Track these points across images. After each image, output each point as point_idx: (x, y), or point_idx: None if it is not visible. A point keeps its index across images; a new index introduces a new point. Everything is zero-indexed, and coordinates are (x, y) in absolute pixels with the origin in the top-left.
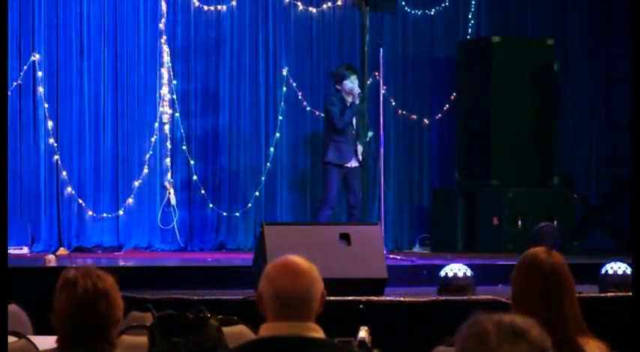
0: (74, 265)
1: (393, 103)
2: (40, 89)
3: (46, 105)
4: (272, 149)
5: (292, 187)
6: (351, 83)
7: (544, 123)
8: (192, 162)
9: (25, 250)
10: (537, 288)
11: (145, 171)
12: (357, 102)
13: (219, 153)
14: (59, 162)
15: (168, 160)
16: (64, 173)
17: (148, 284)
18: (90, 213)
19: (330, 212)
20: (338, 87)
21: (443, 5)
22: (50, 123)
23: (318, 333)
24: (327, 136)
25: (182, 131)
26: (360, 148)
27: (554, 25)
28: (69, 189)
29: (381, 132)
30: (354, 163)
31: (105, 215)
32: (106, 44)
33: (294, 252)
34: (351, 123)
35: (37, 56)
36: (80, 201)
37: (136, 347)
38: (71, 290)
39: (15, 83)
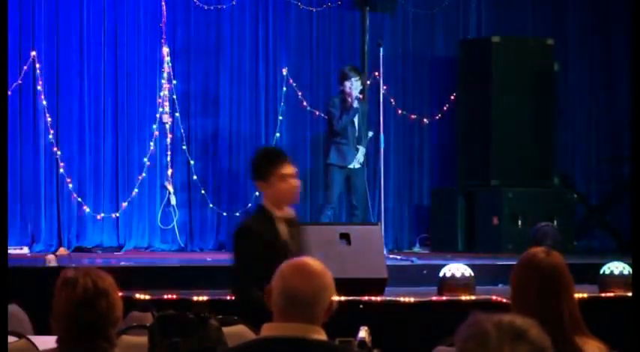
0: (74, 265)
1: (393, 103)
2: (40, 89)
3: (46, 105)
4: None
5: None
6: (351, 85)
7: (544, 123)
8: (192, 162)
9: (25, 250)
10: (536, 288)
11: (145, 171)
12: (355, 105)
13: (219, 153)
14: (59, 162)
15: (168, 160)
16: (64, 173)
17: (148, 284)
18: (90, 213)
19: (331, 212)
20: (341, 87)
21: (443, 5)
22: (50, 123)
23: (320, 335)
24: (329, 138)
25: (182, 131)
26: (362, 150)
27: (554, 25)
28: (69, 188)
29: (381, 132)
30: (356, 164)
31: (105, 215)
32: (105, 44)
33: None
34: (353, 124)
35: (37, 56)
36: (80, 201)
37: (136, 347)
38: (71, 290)
39: (15, 83)
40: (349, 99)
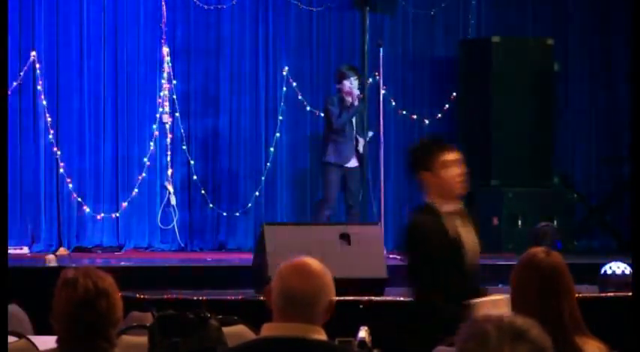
0: (74, 265)
1: (393, 103)
2: (40, 89)
3: (46, 105)
4: (272, 149)
5: (292, 187)
6: (350, 84)
7: (544, 123)
8: (192, 162)
9: (25, 250)
10: (536, 288)
11: (145, 171)
12: (356, 103)
13: (219, 153)
14: (59, 161)
15: (168, 160)
16: (64, 173)
17: (148, 284)
18: (90, 213)
19: (329, 212)
20: (338, 86)
21: (443, 5)
22: (50, 123)
23: (320, 335)
24: (327, 136)
25: (182, 131)
26: (361, 141)
27: (554, 25)
28: (69, 188)
29: (381, 132)
30: (353, 163)
31: (105, 215)
32: (105, 44)
33: (294, 252)
34: (351, 122)
35: (37, 56)
36: (80, 201)
37: (136, 347)
38: (71, 290)
39: (15, 83)
40: (348, 98)
